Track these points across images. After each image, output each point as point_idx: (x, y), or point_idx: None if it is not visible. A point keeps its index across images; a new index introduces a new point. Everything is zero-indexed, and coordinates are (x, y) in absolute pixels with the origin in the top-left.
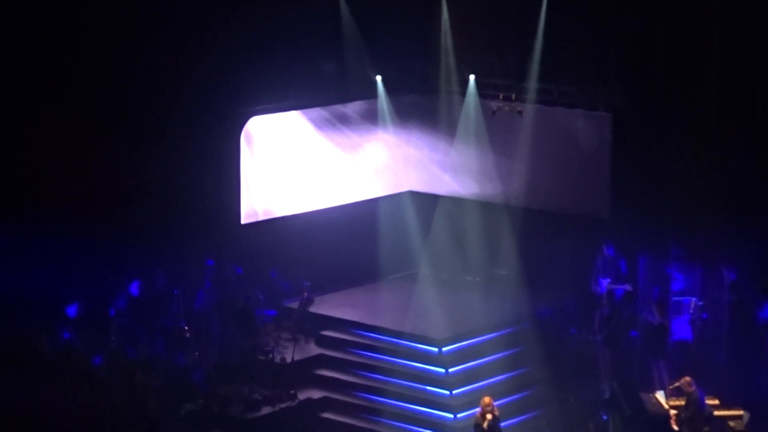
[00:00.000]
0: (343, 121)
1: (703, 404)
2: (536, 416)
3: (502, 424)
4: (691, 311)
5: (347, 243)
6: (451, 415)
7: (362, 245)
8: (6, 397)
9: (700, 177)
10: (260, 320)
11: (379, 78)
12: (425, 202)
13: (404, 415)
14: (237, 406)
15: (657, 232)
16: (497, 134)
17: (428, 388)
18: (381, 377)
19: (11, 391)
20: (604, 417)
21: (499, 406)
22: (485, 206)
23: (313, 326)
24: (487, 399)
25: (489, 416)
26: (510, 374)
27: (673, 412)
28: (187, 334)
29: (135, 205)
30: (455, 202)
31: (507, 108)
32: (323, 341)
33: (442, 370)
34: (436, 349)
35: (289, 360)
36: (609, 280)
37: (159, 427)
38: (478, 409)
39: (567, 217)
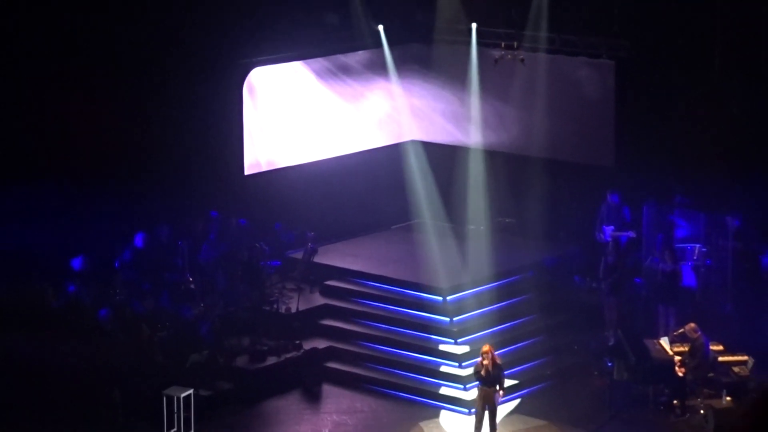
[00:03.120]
0: (346, 71)
1: (707, 350)
2: (541, 364)
3: (507, 372)
4: (695, 258)
5: (350, 193)
6: (456, 364)
7: (365, 195)
8: (13, 350)
9: (703, 124)
10: (265, 271)
11: (381, 27)
12: (428, 152)
13: (409, 364)
14: (243, 357)
15: (661, 179)
16: (500, 83)
17: (433, 337)
18: (385, 327)
19: (18, 344)
20: (609, 364)
21: (504, 355)
22: (488, 155)
23: (318, 276)
24: (486, 347)
25: (487, 362)
26: (514, 323)
27: (677, 358)
28: (192, 286)
29: (138, 157)
30: (458, 151)
31: (509, 56)
32: (328, 291)
33: (447, 319)
34: (440, 298)
35: (294, 310)
36: (613, 227)
37: (165, 380)
38: (479, 358)
39: (571, 166)
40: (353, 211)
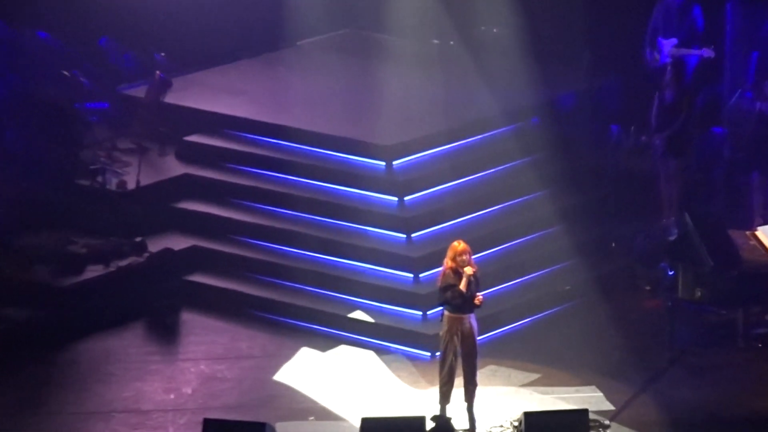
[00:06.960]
0: None
1: None
2: (554, 275)
3: (495, 289)
4: None
5: None
6: (410, 275)
7: None
8: None
9: None
10: (82, 119)
11: None
12: None
13: (327, 274)
14: (45, 266)
15: None
16: None
17: (369, 229)
18: (288, 212)
19: None
20: (670, 273)
21: (487, 260)
22: None
23: (173, 127)
24: (460, 244)
25: (468, 270)
26: (507, 204)
27: None
28: None
29: None
30: None
31: None
32: (189, 153)
33: (394, 199)
34: (382, 164)
35: (132, 186)
36: (675, 41)
37: None
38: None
39: None
40: (233, 18)
